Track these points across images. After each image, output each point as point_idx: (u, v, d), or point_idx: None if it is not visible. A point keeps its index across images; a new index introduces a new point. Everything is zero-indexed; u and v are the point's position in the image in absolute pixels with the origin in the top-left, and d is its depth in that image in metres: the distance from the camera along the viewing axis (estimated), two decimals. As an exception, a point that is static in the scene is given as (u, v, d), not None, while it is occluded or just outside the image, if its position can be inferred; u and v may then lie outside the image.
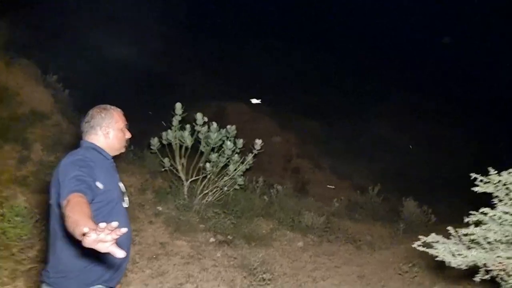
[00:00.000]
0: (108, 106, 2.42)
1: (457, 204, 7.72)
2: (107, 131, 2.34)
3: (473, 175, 2.80)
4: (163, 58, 12.01)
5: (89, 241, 1.51)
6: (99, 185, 2.11)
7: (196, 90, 10.77)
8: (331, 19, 15.67)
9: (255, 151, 6.17)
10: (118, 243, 1.54)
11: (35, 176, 5.36)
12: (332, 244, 6.06)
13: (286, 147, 9.64)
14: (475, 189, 2.78)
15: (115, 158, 2.44)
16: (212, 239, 5.52)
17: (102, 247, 1.51)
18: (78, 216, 1.73)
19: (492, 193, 2.74)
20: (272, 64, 13.71)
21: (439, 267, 5.12)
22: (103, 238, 1.50)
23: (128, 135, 2.44)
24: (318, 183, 8.64)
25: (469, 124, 11.96)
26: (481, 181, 2.77)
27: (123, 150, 2.46)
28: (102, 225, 1.51)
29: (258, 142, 6.19)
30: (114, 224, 1.53)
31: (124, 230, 1.55)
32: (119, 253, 1.52)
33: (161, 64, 11.76)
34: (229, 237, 5.66)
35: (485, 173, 2.82)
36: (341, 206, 7.29)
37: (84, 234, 1.54)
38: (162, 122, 6.20)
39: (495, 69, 13.90)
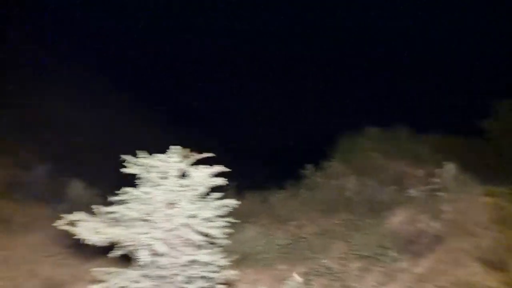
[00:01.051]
0: None
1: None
2: None
3: (124, 157, 2.98)
4: None
5: None
6: None
7: None
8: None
9: None
10: None
11: None
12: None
13: None
14: (124, 170, 2.96)
15: None
16: None
17: None
18: None
19: (137, 174, 2.98)
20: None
21: (87, 245, 5.24)
22: None
23: None
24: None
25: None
26: (130, 163, 2.97)
27: None
28: None
29: None
30: None
31: None
32: None
33: None
34: None
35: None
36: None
37: None
38: None
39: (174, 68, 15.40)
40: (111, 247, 3.04)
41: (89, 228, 2.83)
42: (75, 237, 2.85)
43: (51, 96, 10.90)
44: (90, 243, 2.85)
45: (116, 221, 2.94)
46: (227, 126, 14.51)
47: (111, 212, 2.90)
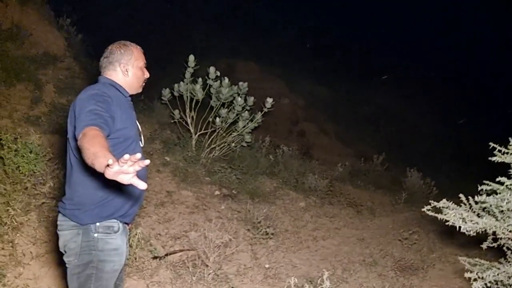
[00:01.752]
0: (128, 42, 2.36)
1: (457, 177, 7.83)
2: (126, 68, 2.30)
3: (492, 145, 2.82)
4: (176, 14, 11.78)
5: (112, 172, 1.52)
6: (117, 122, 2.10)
7: (207, 45, 10.62)
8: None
9: (265, 109, 6.17)
10: (138, 177, 1.55)
11: (47, 117, 5.36)
12: (333, 207, 6.17)
13: (293, 110, 9.62)
14: (493, 158, 2.81)
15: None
16: (217, 192, 5.61)
17: (124, 179, 1.51)
18: (96, 148, 1.72)
19: (510, 163, 2.77)
20: (283, 25, 13.46)
21: (437, 237, 5.26)
22: (126, 169, 1.50)
23: (147, 74, 2.39)
24: (323, 148, 8.69)
25: (472, 97, 11.90)
26: (499, 151, 2.80)
27: (140, 90, 2.42)
28: (126, 156, 1.51)
29: (269, 100, 6.19)
30: (138, 155, 1.53)
31: (146, 162, 1.55)
32: (141, 185, 1.53)
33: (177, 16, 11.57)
34: (233, 191, 5.75)
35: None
36: (344, 172, 7.36)
37: (107, 166, 1.53)
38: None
39: (494, 43, 13.67)
40: (469, 240, 2.96)
41: (458, 215, 2.83)
42: (447, 223, 2.87)
43: (381, 92, 11.65)
44: (460, 230, 2.83)
45: (486, 212, 2.83)
46: None
47: (481, 202, 2.81)
